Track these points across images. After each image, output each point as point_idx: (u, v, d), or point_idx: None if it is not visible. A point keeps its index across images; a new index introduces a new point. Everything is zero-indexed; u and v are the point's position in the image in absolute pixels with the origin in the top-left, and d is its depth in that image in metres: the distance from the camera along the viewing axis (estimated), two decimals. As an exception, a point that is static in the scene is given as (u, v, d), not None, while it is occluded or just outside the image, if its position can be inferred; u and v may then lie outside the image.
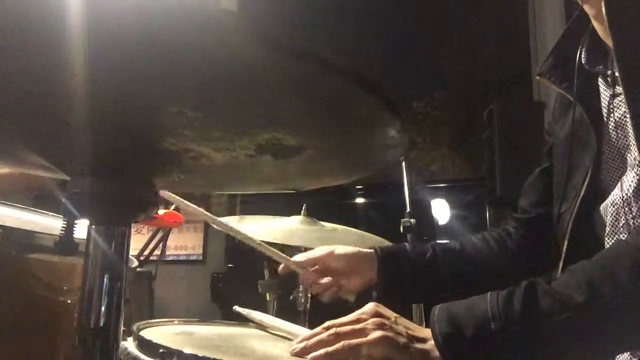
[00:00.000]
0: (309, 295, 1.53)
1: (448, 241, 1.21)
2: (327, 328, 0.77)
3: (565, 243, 0.97)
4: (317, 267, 1.09)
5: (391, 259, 1.11)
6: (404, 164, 1.84)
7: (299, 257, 1.12)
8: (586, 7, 0.95)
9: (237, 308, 1.15)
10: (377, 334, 0.74)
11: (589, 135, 0.96)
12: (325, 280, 1.08)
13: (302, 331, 0.92)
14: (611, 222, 0.92)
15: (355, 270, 1.09)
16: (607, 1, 0.84)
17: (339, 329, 0.76)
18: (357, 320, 0.77)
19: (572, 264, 0.79)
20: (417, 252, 1.13)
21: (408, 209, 1.78)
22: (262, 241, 1.16)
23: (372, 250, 1.12)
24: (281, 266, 1.15)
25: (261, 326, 1.08)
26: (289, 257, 1.12)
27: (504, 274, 1.14)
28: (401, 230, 1.75)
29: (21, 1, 0.31)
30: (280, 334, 1.03)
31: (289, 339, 0.97)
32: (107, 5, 0.31)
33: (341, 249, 1.11)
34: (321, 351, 0.74)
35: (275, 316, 1.43)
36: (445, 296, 1.06)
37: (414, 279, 1.12)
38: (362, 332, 0.75)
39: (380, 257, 1.11)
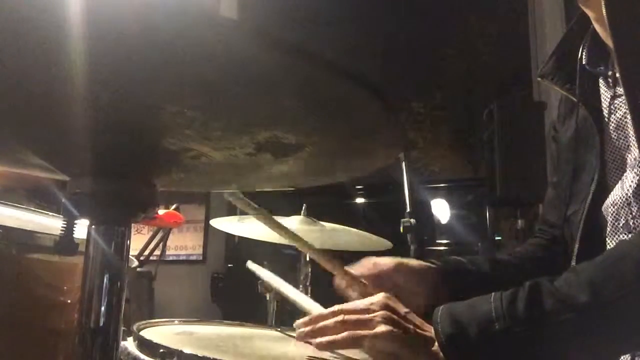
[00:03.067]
0: (309, 295, 1.53)
1: (497, 255, 1.14)
2: (336, 313, 0.77)
3: (577, 244, 0.96)
4: (378, 279, 0.95)
5: (454, 274, 1.02)
6: (404, 164, 1.83)
7: (360, 267, 0.98)
8: (587, 10, 0.95)
9: (249, 264, 1.12)
10: (384, 328, 0.73)
11: (592, 136, 0.96)
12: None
13: (310, 304, 0.91)
14: (612, 222, 0.92)
15: (420, 286, 0.97)
16: (608, 3, 0.84)
17: (346, 317, 0.75)
18: (367, 310, 0.76)
19: None
20: (477, 266, 1.05)
21: (408, 209, 1.78)
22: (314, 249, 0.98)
23: (434, 266, 1.02)
24: (337, 280, 0.97)
25: (261, 325, 1.08)
26: (349, 270, 0.95)
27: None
28: (401, 230, 1.75)
29: (21, 1, 0.31)
30: (285, 333, 1.03)
31: (289, 338, 0.97)
32: (106, 5, 0.31)
33: (412, 263, 0.99)
34: (325, 338, 0.74)
35: (275, 316, 1.44)
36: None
37: (476, 294, 1.03)
38: (369, 324, 0.74)
39: (445, 272, 1.01)
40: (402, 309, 0.78)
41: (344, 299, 0.91)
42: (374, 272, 0.96)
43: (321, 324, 0.76)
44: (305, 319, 0.79)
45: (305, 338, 0.76)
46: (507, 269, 1.06)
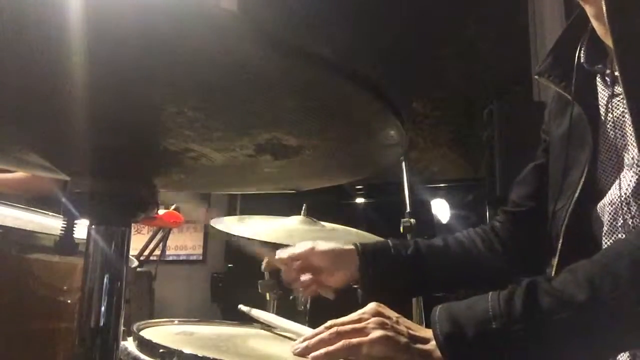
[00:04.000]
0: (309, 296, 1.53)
1: (433, 238, 1.18)
2: (329, 327, 0.78)
3: (560, 241, 0.97)
4: (299, 262, 1.07)
5: (372, 255, 1.09)
6: (404, 164, 1.83)
7: (282, 253, 1.09)
8: (586, 7, 0.95)
9: (241, 307, 1.15)
10: (378, 333, 0.74)
11: (586, 133, 0.96)
12: (305, 277, 1.05)
13: (304, 330, 0.92)
14: (609, 221, 0.92)
15: (336, 267, 1.07)
16: (608, 0, 0.84)
17: (340, 328, 0.76)
18: (359, 320, 0.77)
19: (567, 261, 0.79)
20: (398, 248, 1.11)
21: (408, 209, 1.78)
22: (258, 240, 1.19)
23: (353, 247, 1.10)
24: (264, 262, 1.16)
25: (264, 325, 1.08)
26: (272, 254, 1.11)
27: (489, 274, 1.13)
28: (401, 230, 1.75)
29: (21, 1, 0.31)
30: (283, 333, 1.03)
31: (290, 339, 0.97)
32: (107, 5, 0.31)
33: (322, 246, 1.08)
34: (322, 350, 0.74)
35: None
36: (428, 294, 1.06)
37: (395, 275, 1.10)
38: (363, 332, 0.75)
39: (360, 253, 1.08)
40: (394, 314, 0.80)
41: (342, 304, 0.95)
42: (293, 255, 1.07)
43: (316, 338, 0.76)
44: (300, 338, 0.80)
45: (301, 353, 0.77)
46: (434, 255, 1.13)
